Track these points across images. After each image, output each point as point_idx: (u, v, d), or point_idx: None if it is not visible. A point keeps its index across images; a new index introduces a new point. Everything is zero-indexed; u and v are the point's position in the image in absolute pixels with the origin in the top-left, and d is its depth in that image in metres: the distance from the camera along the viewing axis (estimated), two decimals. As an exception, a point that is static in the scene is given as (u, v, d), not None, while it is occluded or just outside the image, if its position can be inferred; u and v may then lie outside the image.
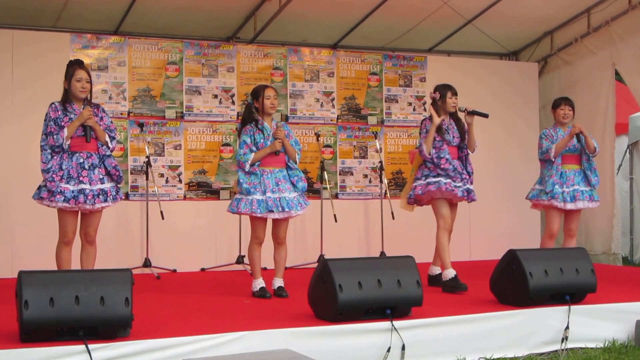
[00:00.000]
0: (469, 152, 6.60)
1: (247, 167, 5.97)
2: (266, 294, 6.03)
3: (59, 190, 5.45)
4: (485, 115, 6.55)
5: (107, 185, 5.65)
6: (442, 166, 6.40)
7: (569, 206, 6.75)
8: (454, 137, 6.53)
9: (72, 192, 5.47)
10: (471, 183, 6.59)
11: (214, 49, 8.69)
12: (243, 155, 5.99)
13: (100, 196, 5.57)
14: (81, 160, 5.56)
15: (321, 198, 8.61)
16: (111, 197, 5.66)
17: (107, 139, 5.68)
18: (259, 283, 6.12)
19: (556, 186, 6.75)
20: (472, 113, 6.51)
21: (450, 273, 6.38)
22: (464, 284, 6.26)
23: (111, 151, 5.73)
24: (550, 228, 6.87)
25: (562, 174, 6.80)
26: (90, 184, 5.53)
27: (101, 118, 5.73)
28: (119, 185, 5.80)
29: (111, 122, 5.81)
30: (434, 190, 6.41)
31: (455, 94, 6.55)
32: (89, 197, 5.51)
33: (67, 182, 5.49)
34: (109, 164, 5.68)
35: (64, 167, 5.51)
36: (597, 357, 4.98)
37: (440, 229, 6.52)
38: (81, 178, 5.51)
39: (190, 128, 8.52)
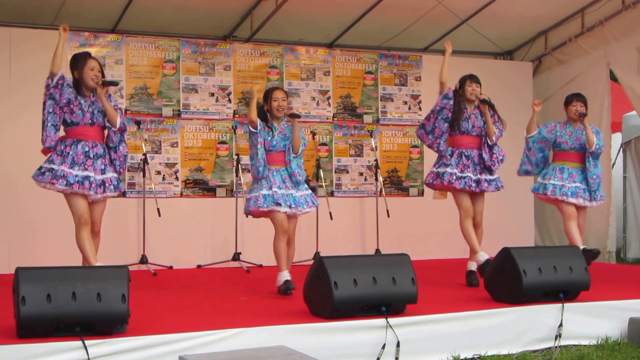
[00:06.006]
0: (489, 142, 6.52)
1: (254, 125, 6.01)
2: (290, 285, 5.92)
3: (61, 175, 5.45)
4: (492, 106, 6.48)
5: (109, 175, 5.66)
6: (443, 159, 6.48)
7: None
8: (473, 126, 6.53)
9: (76, 176, 5.47)
10: (490, 173, 6.56)
11: (211, 47, 8.71)
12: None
13: (104, 185, 5.60)
14: (87, 149, 5.58)
15: (317, 196, 8.63)
16: (112, 186, 5.67)
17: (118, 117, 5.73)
18: (284, 276, 6.01)
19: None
20: (483, 101, 6.46)
21: (482, 257, 6.39)
22: None
23: (119, 129, 5.74)
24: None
25: (562, 170, 6.86)
26: (94, 173, 5.55)
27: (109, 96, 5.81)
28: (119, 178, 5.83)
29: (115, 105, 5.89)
30: (439, 184, 6.49)
31: (475, 81, 6.51)
32: (93, 185, 5.53)
33: (71, 167, 5.49)
34: (121, 153, 5.74)
35: (70, 153, 5.52)
36: (591, 354, 5.01)
37: (462, 219, 6.55)
38: (86, 166, 5.53)
39: (187, 126, 8.54)
